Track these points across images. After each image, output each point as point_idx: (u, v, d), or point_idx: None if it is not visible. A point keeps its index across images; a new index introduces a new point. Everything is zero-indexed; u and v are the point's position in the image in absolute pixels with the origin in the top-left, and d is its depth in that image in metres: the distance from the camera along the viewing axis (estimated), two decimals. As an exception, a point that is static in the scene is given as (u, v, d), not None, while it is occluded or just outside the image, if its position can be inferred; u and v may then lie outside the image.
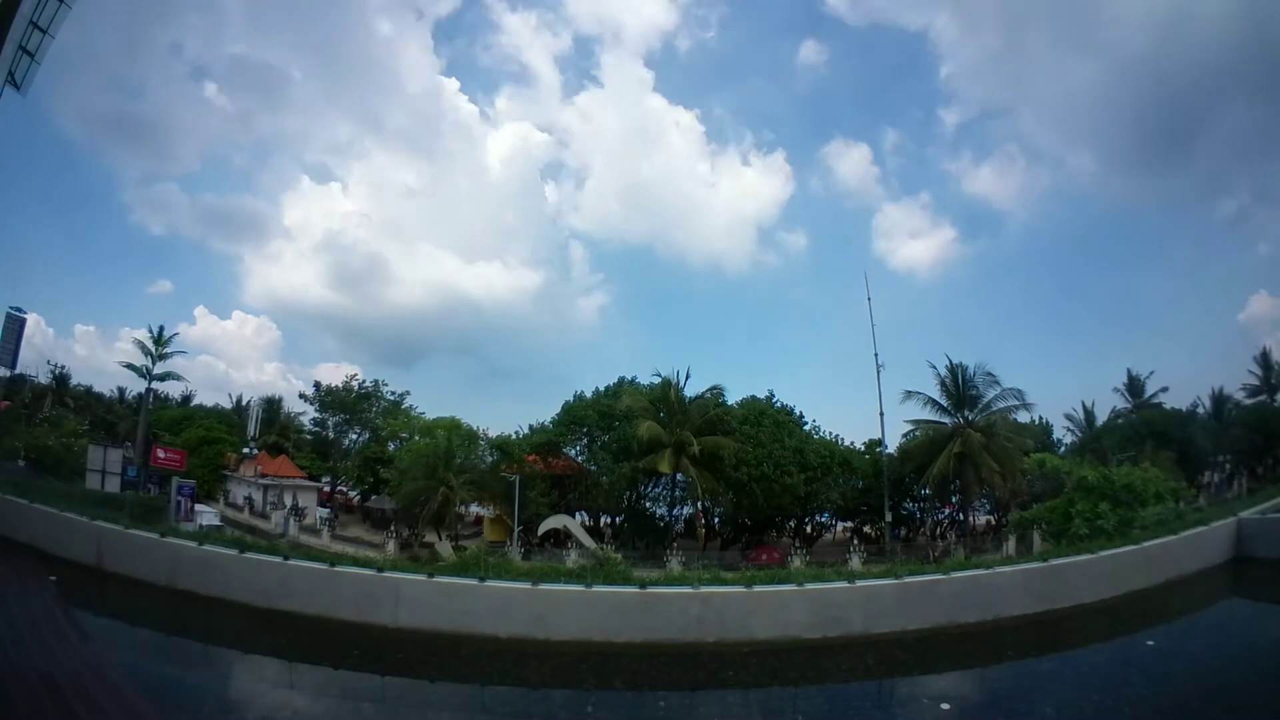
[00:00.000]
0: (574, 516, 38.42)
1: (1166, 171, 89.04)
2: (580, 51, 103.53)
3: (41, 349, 69.40)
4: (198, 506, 37.47)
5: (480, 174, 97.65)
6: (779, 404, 41.57)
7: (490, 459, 39.45)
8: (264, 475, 43.48)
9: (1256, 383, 50.27)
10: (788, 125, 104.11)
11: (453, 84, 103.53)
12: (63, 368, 56.18)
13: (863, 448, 42.59)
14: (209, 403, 59.40)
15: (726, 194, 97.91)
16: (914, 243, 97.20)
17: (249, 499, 42.60)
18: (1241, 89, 74.81)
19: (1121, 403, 51.55)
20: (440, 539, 35.54)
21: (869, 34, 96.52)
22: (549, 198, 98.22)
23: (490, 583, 9.28)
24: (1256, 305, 75.66)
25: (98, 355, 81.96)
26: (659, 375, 40.38)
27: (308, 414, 53.76)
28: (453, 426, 40.24)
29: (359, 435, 51.92)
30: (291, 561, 9.98)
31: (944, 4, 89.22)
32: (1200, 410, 49.57)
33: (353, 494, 51.71)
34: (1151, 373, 51.59)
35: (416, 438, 41.71)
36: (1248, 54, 70.84)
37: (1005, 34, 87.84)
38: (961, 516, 41.17)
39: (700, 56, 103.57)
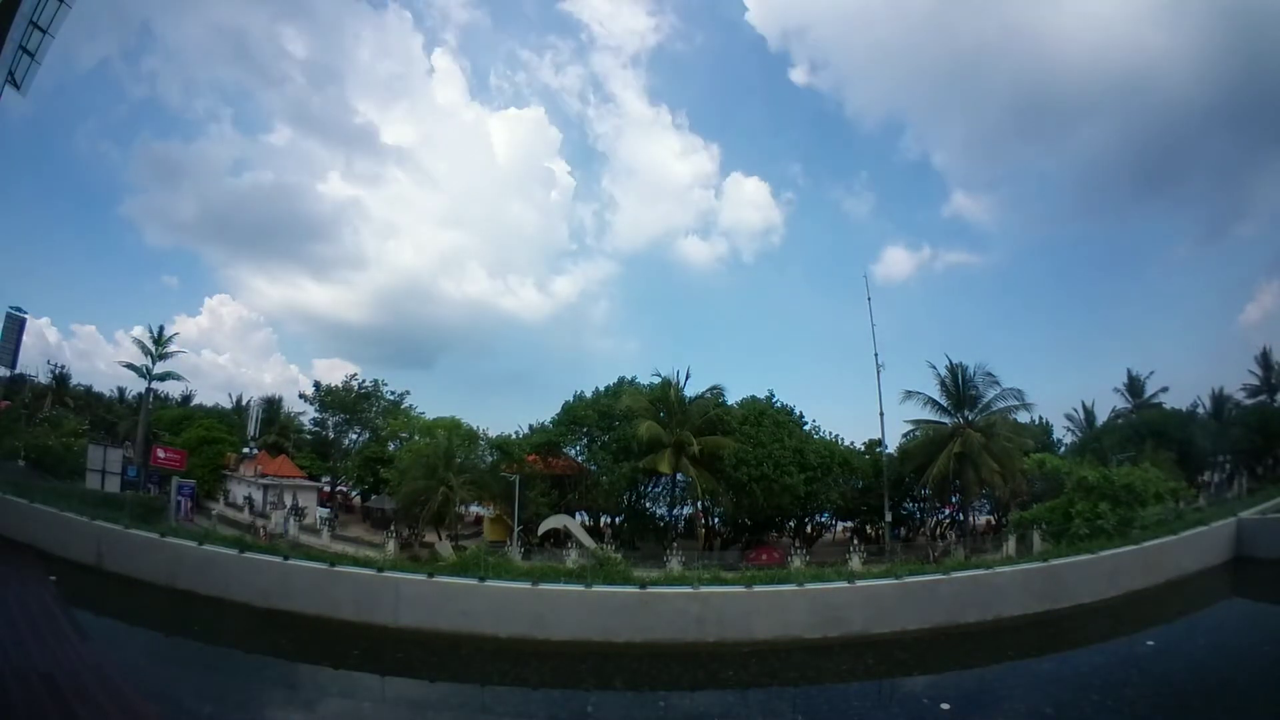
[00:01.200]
0: (574, 516, 38.38)
1: (1162, 184, 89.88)
2: (591, 70, 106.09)
3: (45, 349, 69.70)
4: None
5: (493, 185, 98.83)
6: (779, 404, 41.62)
7: (490, 459, 39.43)
8: (264, 475, 43.45)
9: (1256, 383, 50.32)
10: (787, 137, 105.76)
11: (465, 93, 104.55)
12: (63, 368, 56.34)
13: (863, 448, 42.59)
14: (209, 402, 59.50)
15: (730, 203, 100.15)
16: (913, 248, 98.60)
17: (249, 499, 42.57)
18: (1230, 113, 75.74)
19: (1121, 403, 51.63)
20: (440, 539, 35.54)
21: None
22: (561, 207, 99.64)
23: (490, 583, 9.28)
24: (1257, 306, 75.83)
25: (100, 355, 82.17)
26: (659, 375, 40.45)
27: (308, 414, 53.85)
28: (453, 426, 40.22)
29: (359, 435, 51.94)
30: (291, 561, 9.98)
31: (935, 85, 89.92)
32: (1200, 410, 49.63)
33: (353, 494, 51.70)
34: (1151, 373, 51.66)
35: (416, 437, 41.71)
36: (1232, 79, 71.73)
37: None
38: (961, 516, 41.15)
39: (704, 75, 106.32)
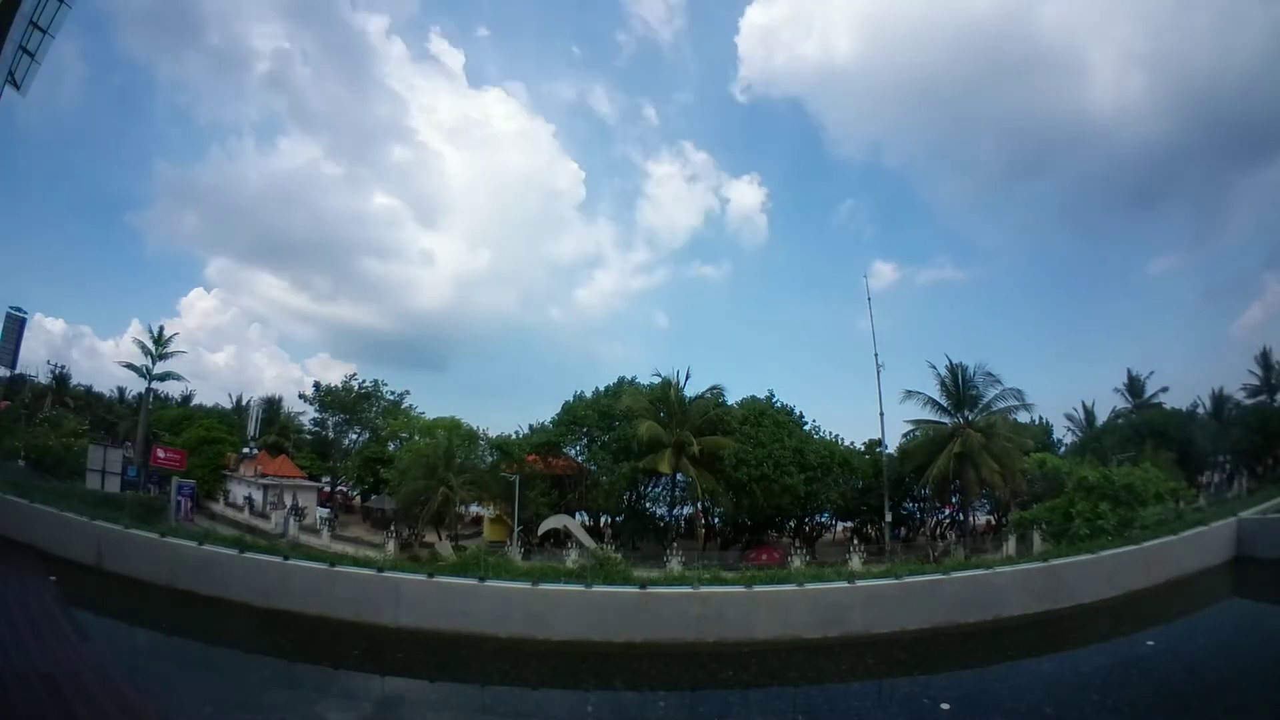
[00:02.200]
0: (574, 516, 38.36)
1: (1159, 192, 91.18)
2: (602, 94, 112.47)
3: (49, 348, 69.84)
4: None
5: (509, 197, 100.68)
6: (779, 404, 41.59)
7: (490, 459, 39.41)
8: (264, 475, 43.42)
9: (1256, 383, 50.32)
10: (789, 153, 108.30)
11: (488, 113, 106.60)
12: (63, 368, 56.38)
13: (863, 448, 42.56)
14: (210, 403, 59.50)
15: (734, 212, 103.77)
16: (912, 256, 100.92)
17: (249, 499, 42.54)
18: (1220, 131, 77.42)
19: (1121, 403, 51.64)
20: (440, 539, 35.52)
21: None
22: (572, 219, 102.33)
23: (490, 583, 9.28)
24: (1258, 305, 75.92)
25: (101, 355, 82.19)
26: (659, 375, 40.40)
27: (308, 414, 53.81)
28: (452, 426, 40.18)
29: (359, 435, 51.91)
30: (291, 561, 9.98)
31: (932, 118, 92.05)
32: (1200, 410, 49.63)
33: (353, 494, 51.66)
34: (1151, 373, 51.67)
35: (416, 438, 41.68)
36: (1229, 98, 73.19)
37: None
38: (961, 516, 41.12)
39: (707, 98, 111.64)
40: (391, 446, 44.89)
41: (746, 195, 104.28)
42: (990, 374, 37.22)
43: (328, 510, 46.12)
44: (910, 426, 39.63)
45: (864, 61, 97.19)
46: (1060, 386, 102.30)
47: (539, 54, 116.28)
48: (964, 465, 35.06)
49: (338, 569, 9.78)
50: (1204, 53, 76.82)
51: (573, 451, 41.64)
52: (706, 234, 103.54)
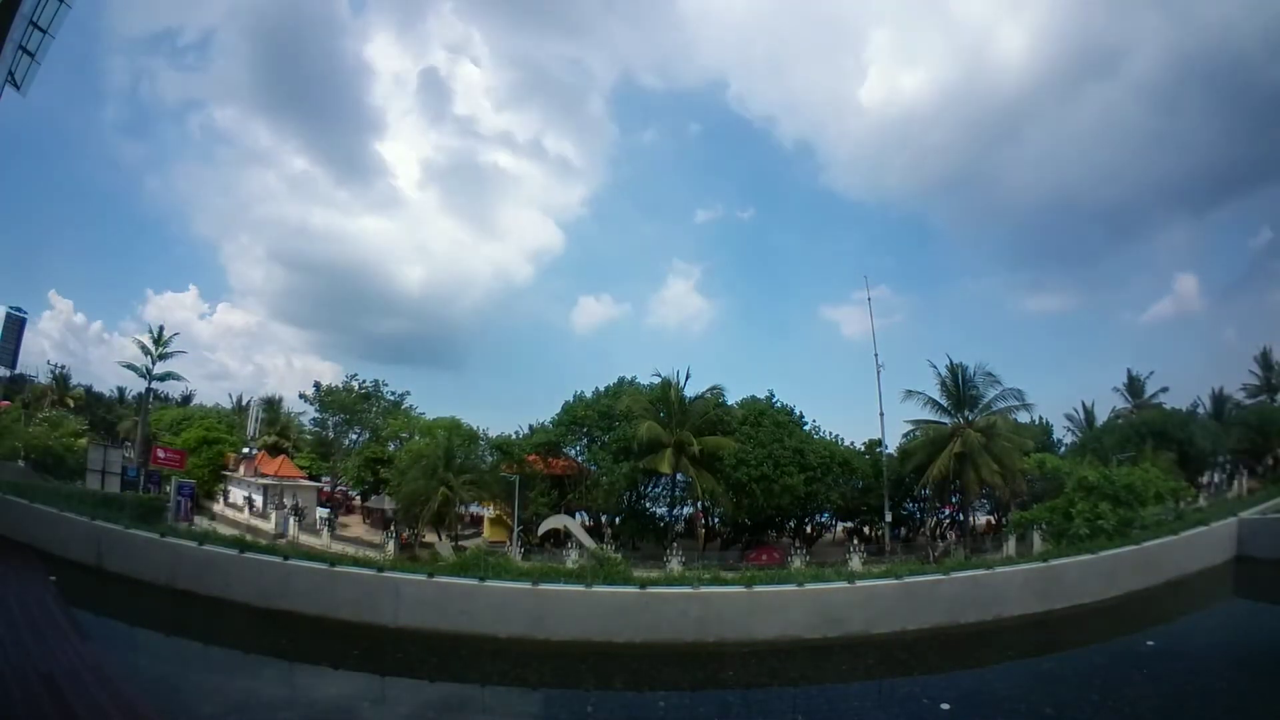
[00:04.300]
0: (574, 516, 38.33)
1: (1151, 207, 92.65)
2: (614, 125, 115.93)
3: (49, 347, 69.88)
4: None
5: (522, 216, 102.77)
6: (779, 404, 41.56)
7: (490, 459, 39.40)
8: (264, 475, 43.40)
9: (1256, 383, 50.30)
10: (788, 173, 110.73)
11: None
12: (63, 368, 56.40)
13: (863, 448, 42.53)
14: (210, 402, 59.55)
15: (740, 227, 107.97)
16: (913, 261, 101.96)
17: (249, 499, 42.53)
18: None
19: (1121, 403, 51.63)
20: (440, 539, 35.51)
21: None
22: (584, 233, 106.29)
23: (490, 583, 9.28)
24: (1257, 305, 76.00)
25: (102, 354, 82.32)
26: (659, 375, 40.35)
27: (308, 414, 53.79)
28: (452, 426, 40.18)
29: (359, 435, 51.88)
30: (291, 561, 9.97)
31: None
32: (1200, 410, 49.58)
33: (353, 494, 51.65)
34: (1151, 373, 51.66)
35: (416, 438, 41.66)
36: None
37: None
38: (961, 516, 41.09)
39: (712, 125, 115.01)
40: (392, 446, 44.87)
41: (752, 214, 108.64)
42: (990, 374, 37.20)
43: (328, 510, 46.07)
44: (910, 426, 39.62)
45: (874, 110, 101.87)
46: (1060, 387, 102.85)
47: (560, 88, 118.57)
48: (964, 465, 35.00)
49: (338, 569, 9.78)
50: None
51: (573, 451, 41.60)
52: (713, 247, 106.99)
